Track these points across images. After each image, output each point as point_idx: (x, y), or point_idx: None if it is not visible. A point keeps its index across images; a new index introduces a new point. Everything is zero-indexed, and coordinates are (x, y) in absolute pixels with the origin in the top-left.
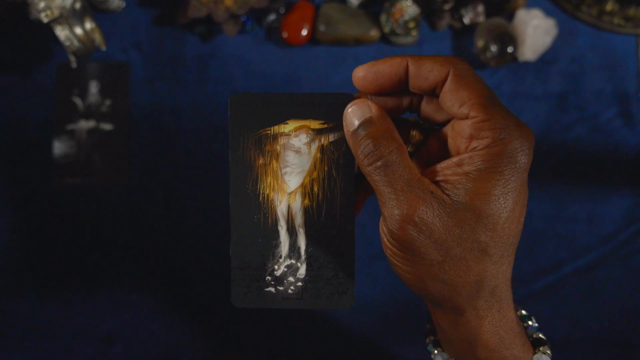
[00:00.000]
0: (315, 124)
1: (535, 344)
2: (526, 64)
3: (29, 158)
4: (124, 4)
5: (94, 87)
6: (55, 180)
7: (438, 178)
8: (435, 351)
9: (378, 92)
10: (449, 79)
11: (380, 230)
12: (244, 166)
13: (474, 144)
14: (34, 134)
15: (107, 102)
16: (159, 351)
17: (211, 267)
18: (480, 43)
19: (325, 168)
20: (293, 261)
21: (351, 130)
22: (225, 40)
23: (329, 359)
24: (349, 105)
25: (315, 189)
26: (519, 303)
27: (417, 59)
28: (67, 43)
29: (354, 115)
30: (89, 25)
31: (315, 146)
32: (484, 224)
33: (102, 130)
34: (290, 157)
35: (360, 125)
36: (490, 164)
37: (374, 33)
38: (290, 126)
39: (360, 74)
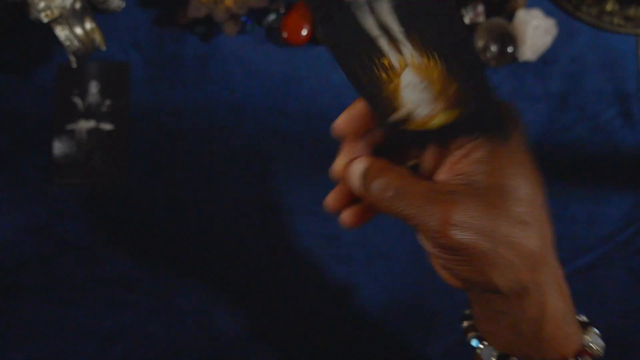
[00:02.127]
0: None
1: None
2: (526, 64)
3: (29, 158)
4: (124, 4)
5: (94, 87)
6: (55, 180)
7: (451, 175)
8: (481, 345)
9: (363, 133)
10: None
11: (427, 249)
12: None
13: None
14: (34, 134)
15: (107, 102)
16: (159, 351)
17: (211, 267)
18: (480, 43)
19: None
20: None
21: (357, 189)
22: (225, 40)
23: (328, 359)
24: (344, 170)
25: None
26: None
27: None
28: (67, 43)
29: (352, 177)
30: (89, 25)
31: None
32: (513, 196)
33: (102, 130)
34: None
35: (360, 181)
36: (495, 143)
37: None
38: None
39: (339, 127)
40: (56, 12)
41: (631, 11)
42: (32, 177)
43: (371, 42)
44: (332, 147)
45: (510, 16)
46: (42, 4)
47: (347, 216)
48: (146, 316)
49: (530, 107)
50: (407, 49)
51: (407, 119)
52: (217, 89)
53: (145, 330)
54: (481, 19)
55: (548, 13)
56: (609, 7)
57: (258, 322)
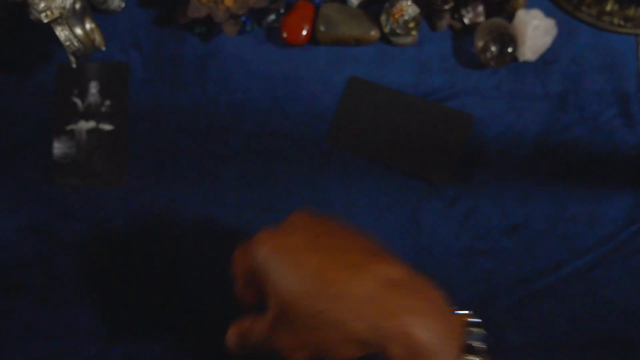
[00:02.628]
0: None
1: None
2: (526, 64)
3: (29, 158)
4: (124, 4)
5: (93, 87)
6: (55, 180)
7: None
8: None
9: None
10: None
11: None
12: None
13: None
14: (34, 134)
15: (107, 102)
16: (159, 351)
17: (212, 267)
18: (480, 43)
19: None
20: None
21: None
22: (225, 40)
23: None
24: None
25: None
26: (516, 303)
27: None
28: (67, 43)
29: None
30: (88, 25)
31: None
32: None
33: (102, 130)
34: None
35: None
36: None
37: (374, 33)
38: None
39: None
40: (56, 13)
41: (631, 11)
42: (32, 177)
43: None
44: (332, 147)
45: (510, 16)
46: (42, 4)
47: None
48: (146, 316)
49: (530, 107)
50: None
51: None
52: (217, 89)
53: (146, 330)
54: (481, 19)
55: (548, 13)
56: (608, 7)
57: None
